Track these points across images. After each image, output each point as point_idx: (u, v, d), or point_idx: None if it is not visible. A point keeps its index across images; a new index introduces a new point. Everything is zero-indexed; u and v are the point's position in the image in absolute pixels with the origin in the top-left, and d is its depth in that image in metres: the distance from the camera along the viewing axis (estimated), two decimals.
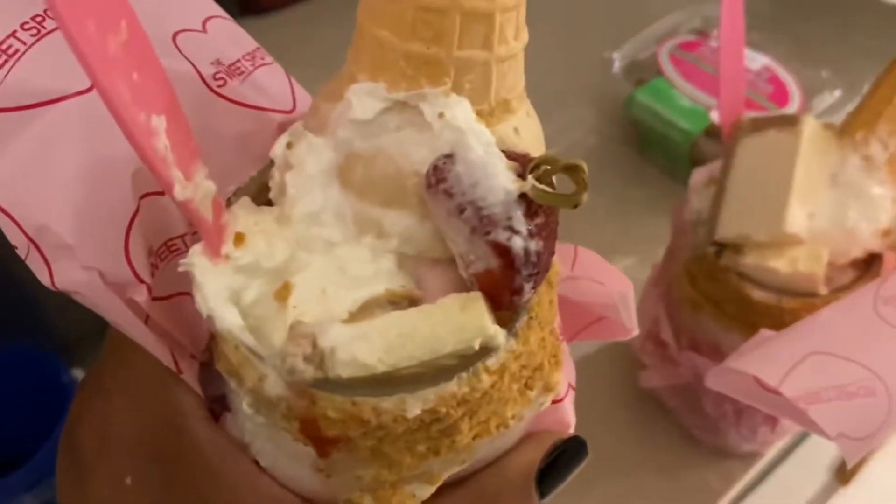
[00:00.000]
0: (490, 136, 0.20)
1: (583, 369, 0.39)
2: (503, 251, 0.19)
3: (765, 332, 0.38)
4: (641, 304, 0.51)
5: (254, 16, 0.73)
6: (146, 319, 0.22)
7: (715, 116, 0.60)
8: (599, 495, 0.47)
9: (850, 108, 0.42)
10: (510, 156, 0.21)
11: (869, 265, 0.42)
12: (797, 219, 0.40)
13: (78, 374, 0.48)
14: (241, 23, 0.26)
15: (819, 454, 0.51)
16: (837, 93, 0.65)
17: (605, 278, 0.26)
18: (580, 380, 0.27)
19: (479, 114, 0.21)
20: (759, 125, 0.44)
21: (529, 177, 0.20)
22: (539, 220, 0.20)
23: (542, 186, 0.20)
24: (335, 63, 0.22)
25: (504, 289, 0.20)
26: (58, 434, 0.25)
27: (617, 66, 0.66)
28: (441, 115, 0.20)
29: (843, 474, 0.51)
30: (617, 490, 0.48)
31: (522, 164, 0.20)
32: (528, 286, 0.20)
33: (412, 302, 0.21)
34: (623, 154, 0.66)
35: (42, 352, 0.47)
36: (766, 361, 0.34)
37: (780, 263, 0.40)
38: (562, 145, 0.65)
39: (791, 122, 0.42)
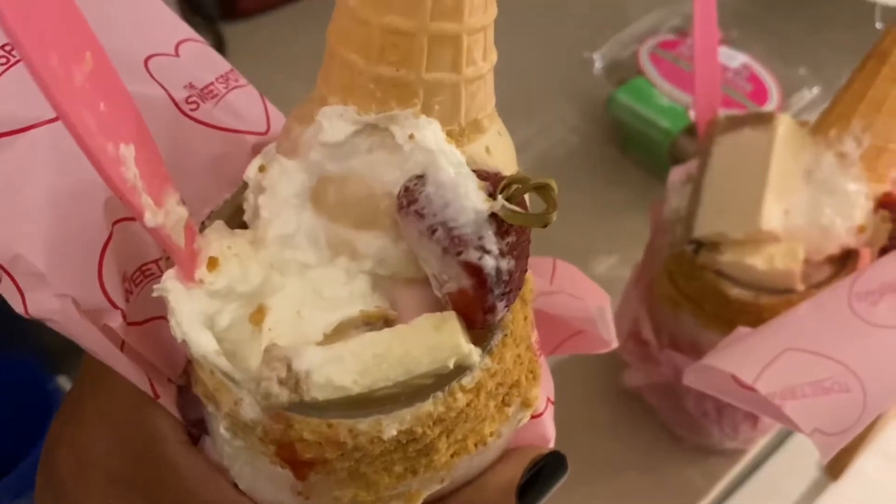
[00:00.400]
0: (460, 156, 0.20)
1: (566, 369, 0.39)
2: (475, 271, 0.19)
3: (742, 330, 0.38)
4: (623, 304, 0.51)
5: (235, 20, 0.72)
6: (122, 345, 0.22)
7: (694, 115, 0.60)
8: (583, 495, 0.48)
9: (827, 104, 0.42)
10: (481, 175, 0.21)
11: (845, 261, 0.42)
12: (773, 216, 0.40)
13: (63, 381, 0.48)
14: (222, 27, 0.26)
15: (809, 449, 0.52)
16: (816, 90, 0.65)
17: (583, 292, 0.26)
18: (563, 379, 0.27)
19: (449, 134, 0.21)
20: (734, 123, 0.44)
21: (500, 196, 0.20)
22: (510, 238, 0.20)
23: (512, 206, 0.20)
24: (316, 67, 0.22)
25: (477, 308, 0.20)
26: (43, 442, 0.25)
27: (597, 65, 0.66)
28: (411, 136, 0.20)
29: (833, 469, 0.51)
30: (600, 489, 0.48)
31: (494, 183, 0.20)
32: (500, 305, 0.20)
33: (387, 322, 0.21)
34: (604, 154, 0.66)
35: (27, 359, 0.47)
36: (742, 358, 0.34)
37: (757, 260, 0.40)
38: (543, 146, 0.65)
39: (766, 119, 0.42)
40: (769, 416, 0.34)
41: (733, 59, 0.65)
